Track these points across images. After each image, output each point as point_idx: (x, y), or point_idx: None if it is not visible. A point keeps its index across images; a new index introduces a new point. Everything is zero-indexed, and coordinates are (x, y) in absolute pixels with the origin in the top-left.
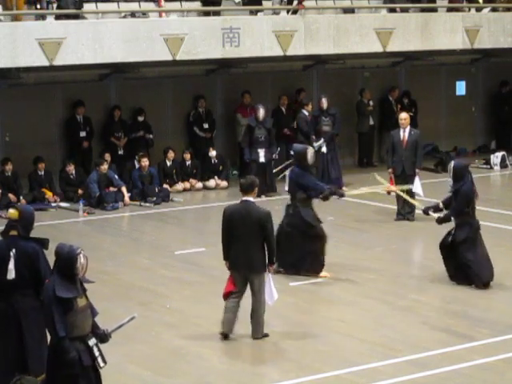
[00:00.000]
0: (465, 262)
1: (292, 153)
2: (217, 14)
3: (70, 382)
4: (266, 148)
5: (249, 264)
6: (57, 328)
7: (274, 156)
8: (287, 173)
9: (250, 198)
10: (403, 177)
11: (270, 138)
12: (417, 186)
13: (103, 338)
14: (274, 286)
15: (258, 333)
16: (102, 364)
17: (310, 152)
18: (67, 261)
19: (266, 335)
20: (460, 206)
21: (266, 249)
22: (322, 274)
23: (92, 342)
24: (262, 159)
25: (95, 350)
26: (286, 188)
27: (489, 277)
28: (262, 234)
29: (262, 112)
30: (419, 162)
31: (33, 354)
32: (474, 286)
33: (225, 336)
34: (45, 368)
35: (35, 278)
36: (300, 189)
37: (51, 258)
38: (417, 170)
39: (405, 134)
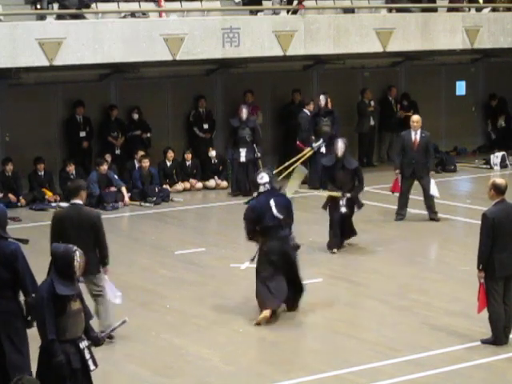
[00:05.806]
0: None
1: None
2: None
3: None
4: (249, 148)
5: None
6: (47, 331)
7: (256, 155)
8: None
9: (78, 201)
10: (413, 178)
11: (255, 137)
12: (433, 188)
13: (96, 341)
14: (112, 285)
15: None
16: (92, 367)
17: None
18: (64, 260)
19: (110, 337)
20: None
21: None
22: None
23: (83, 344)
24: (242, 159)
25: (86, 352)
26: (278, 214)
27: None
28: (93, 237)
29: (244, 112)
30: (431, 164)
31: (11, 358)
32: None
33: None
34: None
35: (14, 279)
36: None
37: (31, 259)
38: (431, 172)
39: (416, 136)
